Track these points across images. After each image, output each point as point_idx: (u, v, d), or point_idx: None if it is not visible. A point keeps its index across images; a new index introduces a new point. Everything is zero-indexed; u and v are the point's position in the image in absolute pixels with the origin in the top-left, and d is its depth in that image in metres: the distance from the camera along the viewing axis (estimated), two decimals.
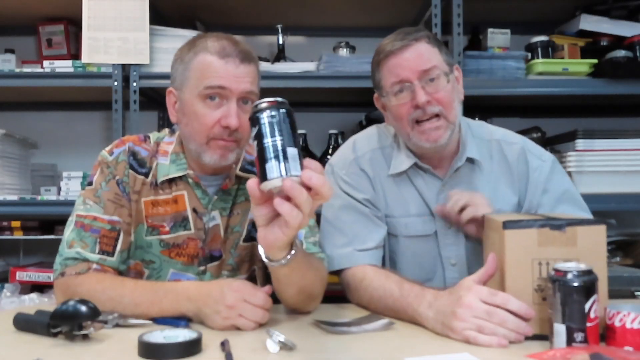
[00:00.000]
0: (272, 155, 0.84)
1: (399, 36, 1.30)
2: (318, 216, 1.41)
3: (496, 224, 1.05)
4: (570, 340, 0.89)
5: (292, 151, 0.84)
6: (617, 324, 0.87)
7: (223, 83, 1.18)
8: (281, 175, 0.83)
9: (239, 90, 1.19)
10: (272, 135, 0.85)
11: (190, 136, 1.24)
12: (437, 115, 1.28)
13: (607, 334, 0.88)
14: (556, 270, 0.92)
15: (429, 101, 1.27)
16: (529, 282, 1.01)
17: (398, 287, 1.16)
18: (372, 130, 1.48)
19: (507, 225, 1.00)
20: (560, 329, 0.90)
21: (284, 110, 0.86)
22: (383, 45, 1.32)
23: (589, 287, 0.89)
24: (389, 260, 1.42)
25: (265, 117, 0.86)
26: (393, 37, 1.31)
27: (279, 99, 0.87)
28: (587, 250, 0.99)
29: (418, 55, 1.27)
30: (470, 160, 1.36)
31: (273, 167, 0.84)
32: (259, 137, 0.86)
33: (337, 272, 1.34)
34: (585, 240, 1.00)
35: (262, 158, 0.85)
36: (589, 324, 0.88)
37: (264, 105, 0.86)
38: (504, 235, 1.01)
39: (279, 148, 0.84)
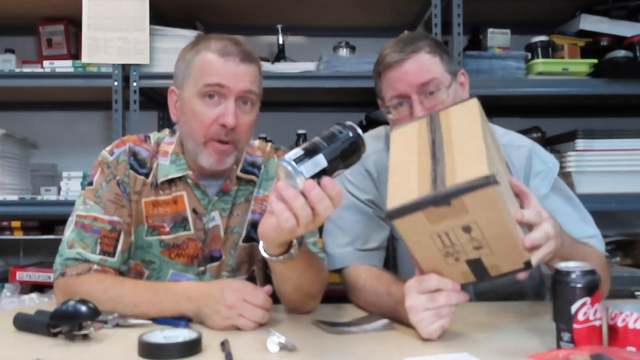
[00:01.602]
0: (307, 147, 0.89)
1: (398, 46, 1.27)
2: None
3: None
4: (558, 339, 0.90)
5: (320, 160, 0.88)
6: (620, 324, 0.87)
7: (222, 81, 1.18)
8: (291, 163, 0.87)
9: (238, 89, 1.19)
10: (324, 139, 0.90)
11: (188, 135, 1.24)
12: None
13: (609, 334, 0.88)
14: (556, 270, 0.92)
15: None
16: (436, 254, 0.94)
17: (387, 291, 1.16)
18: (379, 131, 1.47)
19: (391, 215, 0.91)
20: (553, 326, 0.92)
21: (352, 138, 0.92)
22: (383, 55, 1.29)
23: (577, 289, 0.88)
24: (392, 265, 1.41)
25: (335, 127, 0.93)
26: (392, 47, 1.28)
27: (360, 132, 0.94)
28: (483, 213, 0.88)
29: (417, 68, 1.25)
30: None
31: (297, 153, 0.88)
32: (323, 133, 0.92)
33: (339, 271, 1.34)
34: (475, 206, 0.88)
35: (303, 146, 0.90)
36: (576, 326, 0.88)
37: (344, 123, 0.94)
38: (394, 225, 0.92)
39: (315, 147, 0.89)
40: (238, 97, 1.20)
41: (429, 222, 0.90)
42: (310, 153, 0.88)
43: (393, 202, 0.91)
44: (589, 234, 1.31)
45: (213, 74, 1.18)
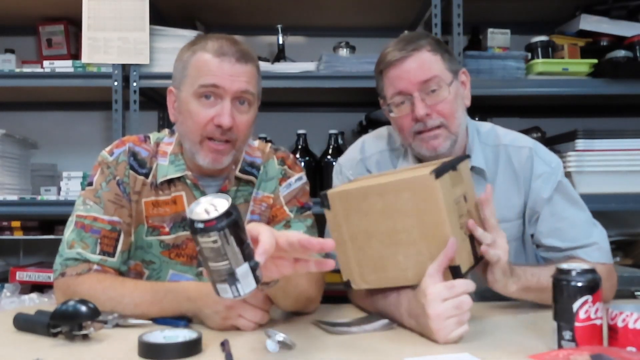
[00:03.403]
0: (221, 279, 0.82)
1: (399, 45, 1.28)
2: (321, 215, 1.40)
3: (412, 180, 1.03)
4: (559, 338, 0.91)
5: (242, 270, 0.81)
6: (620, 324, 0.87)
7: (217, 82, 1.18)
8: (234, 297, 0.82)
9: (233, 90, 1.19)
10: (217, 261, 0.81)
11: (185, 135, 1.24)
12: (438, 126, 1.27)
13: (609, 334, 0.89)
14: (557, 269, 0.93)
15: (429, 114, 1.25)
16: (457, 222, 1.03)
17: (382, 294, 1.16)
18: (382, 131, 1.47)
19: (438, 173, 1.00)
20: (553, 325, 0.92)
21: (226, 227, 0.79)
22: (384, 54, 1.30)
23: (578, 287, 0.89)
24: None
25: (206, 243, 0.80)
26: (394, 46, 1.29)
27: (220, 212, 0.79)
28: (468, 182, 1.11)
29: (418, 66, 1.25)
30: (475, 168, 1.34)
31: (225, 289, 0.82)
32: (203, 258, 0.82)
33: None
34: (465, 174, 1.10)
35: (210, 277, 0.83)
36: (578, 324, 0.89)
37: (201, 226, 0.79)
38: (437, 184, 0.99)
39: (227, 273, 0.81)
40: (234, 98, 1.20)
41: (451, 185, 1.04)
42: (231, 280, 0.82)
43: (426, 170, 1.02)
44: (590, 241, 1.30)
45: (208, 75, 1.18)
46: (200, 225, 0.79)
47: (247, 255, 0.82)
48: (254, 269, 0.83)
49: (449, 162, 1.06)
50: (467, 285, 1.00)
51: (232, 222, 0.80)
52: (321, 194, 1.13)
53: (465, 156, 1.12)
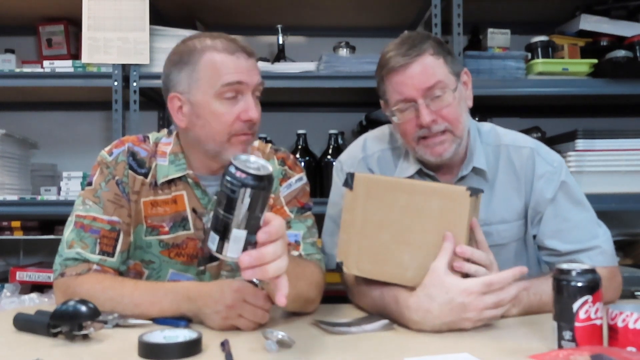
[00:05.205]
0: (217, 227, 0.84)
1: (401, 50, 1.25)
2: (321, 215, 1.41)
3: (445, 190, 1.11)
4: (560, 338, 0.91)
5: (237, 233, 0.83)
6: (620, 324, 0.87)
7: (240, 78, 1.19)
8: (215, 251, 0.84)
9: (254, 83, 1.21)
10: (224, 209, 0.82)
11: (208, 137, 1.21)
12: (443, 131, 1.26)
13: (609, 334, 0.89)
14: (557, 269, 0.93)
15: (434, 120, 1.24)
16: (469, 243, 1.09)
17: (379, 294, 1.16)
18: (384, 130, 1.46)
19: (472, 191, 1.07)
20: (553, 325, 0.92)
21: (250, 187, 0.81)
22: (386, 59, 1.27)
23: (578, 287, 0.90)
24: None
25: (227, 187, 0.82)
26: (396, 50, 1.26)
27: (255, 173, 0.82)
28: (477, 213, 1.15)
29: (422, 72, 1.23)
30: (476, 169, 1.34)
31: (214, 239, 0.84)
32: (217, 201, 0.84)
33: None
34: (477, 205, 1.14)
35: (211, 221, 0.85)
36: (578, 324, 0.89)
37: (232, 171, 0.82)
38: (469, 201, 1.07)
39: (224, 225, 0.83)
40: (253, 91, 1.21)
41: (474, 209, 1.11)
42: (223, 234, 0.83)
43: (460, 188, 1.09)
44: (593, 243, 1.29)
45: (229, 73, 1.18)
46: (233, 170, 0.82)
47: (251, 227, 0.83)
48: (248, 242, 0.83)
49: (475, 188, 1.11)
50: (507, 278, 1.05)
51: (257, 188, 0.82)
52: (348, 173, 1.17)
53: (481, 190, 1.15)
